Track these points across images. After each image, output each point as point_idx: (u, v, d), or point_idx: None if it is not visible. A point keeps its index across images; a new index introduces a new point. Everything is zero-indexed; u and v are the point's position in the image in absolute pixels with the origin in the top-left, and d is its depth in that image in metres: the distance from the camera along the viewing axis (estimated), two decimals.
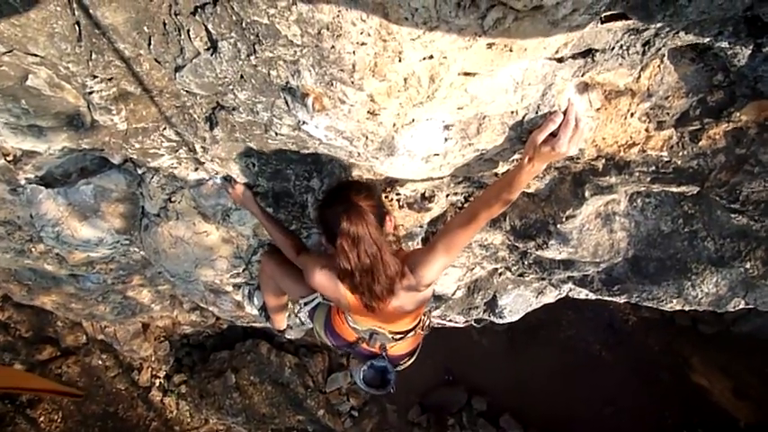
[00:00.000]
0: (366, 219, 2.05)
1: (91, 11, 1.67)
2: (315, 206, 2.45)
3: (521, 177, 1.76)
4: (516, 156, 1.98)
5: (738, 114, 1.68)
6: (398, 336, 2.58)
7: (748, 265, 2.11)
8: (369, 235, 2.06)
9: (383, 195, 2.47)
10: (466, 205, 2.58)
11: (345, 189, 2.19)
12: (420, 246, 2.92)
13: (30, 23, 1.76)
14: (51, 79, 2.10)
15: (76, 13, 1.73)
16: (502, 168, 2.12)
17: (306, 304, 2.88)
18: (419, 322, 2.65)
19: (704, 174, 1.87)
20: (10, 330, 7.21)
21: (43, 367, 7.09)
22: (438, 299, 3.56)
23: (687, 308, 2.45)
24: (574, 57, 1.58)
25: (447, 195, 2.52)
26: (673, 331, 7.15)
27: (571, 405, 7.14)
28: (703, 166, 1.86)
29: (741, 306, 2.30)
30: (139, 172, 2.85)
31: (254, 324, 5.16)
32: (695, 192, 2.00)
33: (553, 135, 1.70)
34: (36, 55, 1.92)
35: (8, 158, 2.70)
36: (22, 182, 2.88)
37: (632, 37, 1.54)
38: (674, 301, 2.44)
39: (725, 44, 1.53)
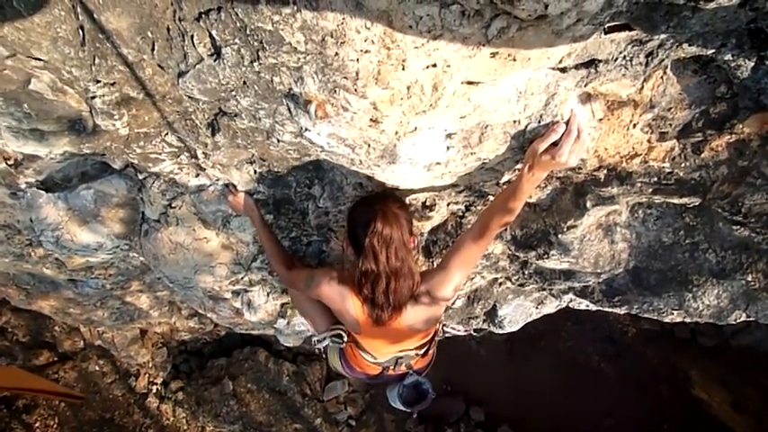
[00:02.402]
0: (400, 223, 2.07)
1: (95, 15, 1.68)
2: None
3: (522, 186, 1.77)
4: (518, 165, 1.98)
5: (741, 126, 1.68)
6: (422, 351, 2.57)
7: (750, 278, 2.10)
8: (400, 238, 2.06)
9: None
10: (472, 220, 2.58)
11: (382, 195, 2.22)
12: (419, 255, 2.92)
13: (33, 27, 1.77)
14: (54, 83, 2.10)
15: (80, 17, 1.73)
16: (504, 178, 2.12)
17: (318, 342, 2.86)
18: (435, 333, 2.64)
19: (706, 185, 1.87)
20: (7, 335, 7.19)
21: (40, 372, 7.05)
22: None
23: (688, 320, 2.44)
24: (577, 67, 1.58)
25: (448, 204, 2.52)
26: (672, 344, 7.13)
27: (570, 416, 7.10)
28: (705, 178, 1.85)
29: (742, 319, 2.29)
30: (140, 177, 2.85)
31: (252, 331, 5.14)
32: (697, 203, 2.00)
33: (555, 144, 1.70)
34: (39, 59, 1.92)
35: (9, 162, 2.70)
36: (23, 186, 2.88)
37: (635, 48, 1.54)
38: (675, 312, 2.43)
39: (728, 56, 1.53)
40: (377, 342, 2.44)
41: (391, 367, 2.59)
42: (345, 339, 2.65)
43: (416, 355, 2.56)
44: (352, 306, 2.25)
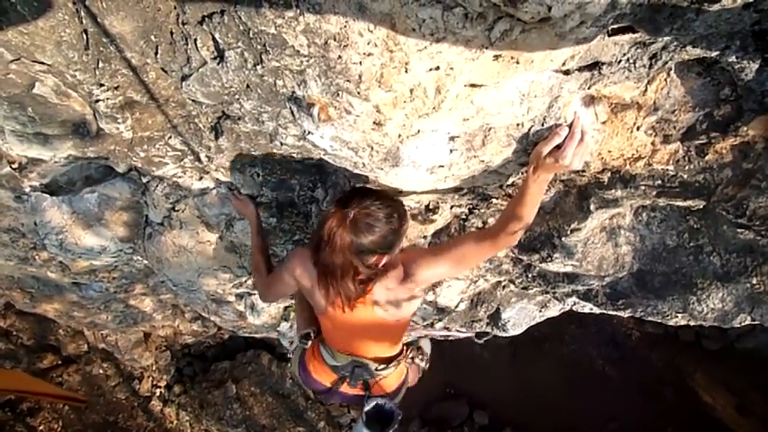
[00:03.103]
0: (351, 237, 1.87)
1: (99, 19, 1.68)
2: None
3: (528, 189, 1.75)
4: (522, 168, 1.98)
5: (745, 129, 1.67)
6: (381, 366, 2.39)
7: (755, 281, 2.09)
8: (341, 252, 1.90)
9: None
10: (475, 223, 2.56)
11: (374, 199, 1.94)
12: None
13: (38, 32, 1.77)
14: (58, 87, 2.11)
15: (84, 21, 1.74)
16: (508, 180, 2.12)
17: (291, 344, 2.78)
18: (401, 352, 2.48)
19: (710, 188, 1.86)
20: (12, 338, 7.20)
21: (44, 375, 7.07)
22: (441, 311, 3.54)
23: (692, 323, 2.43)
24: (580, 69, 1.58)
25: (451, 207, 2.52)
26: (676, 347, 7.10)
27: (574, 420, 7.07)
28: (710, 181, 1.85)
29: (747, 322, 2.27)
30: (144, 181, 2.85)
31: (255, 335, 5.15)
32: (701, 206, 1.99)
33: (558, 147, 1.69)
34: (43, 63, 1.93)
35: (13, 166, 2.71)
36: (27, 189, 2.89)
37: (639, 50, 1.53)
38: (680, 316, 2.42)
39: (732, 58, 1.53)
40: (338, 334, 2.34)
41: (348, 378, 2.43)
42: (312, 338, 2.56)
43: (376, 370, 2.40)
44: (317, 285, 2.14)
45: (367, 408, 2.45)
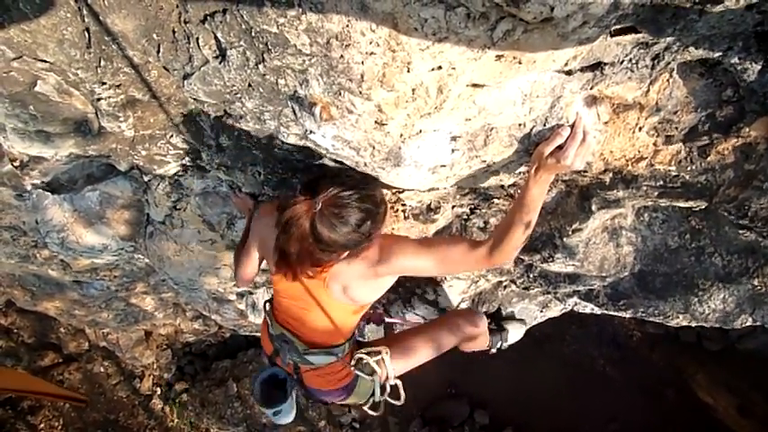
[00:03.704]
0: (312, 230, 1.72)
1: (101, 18, 1.68)
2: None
3: (530, 190, 1.74)
4: (523, 168, 1.98)
5: (748, 130, 1.67)
6: (309, 351, 2.21)
7: (756, 282, 2.09)
8: (298, 241, 1.76)
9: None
10: (477, 223, 2.55)
11: (347, 190, 1.74)
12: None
13: (40, 29, 1.77)
14: (60, 85, 2.11)
15: (86, 19, 1.74)
16: (509, 181, 2.12)
17: None
18: (342, 346, 2.25)
19: (712, 189, 1.86)
20: (12, 336, 7.21)
21: (45, 373, 7.08)
22: (442, 312, 3.54)
23: (694, 324, 2.43)
24: (582, 70, 1.58)
25: (453, 207, 2.52)
26: (677, 347, 7.09)
27: (574, 420, 7.07)
28: (711, 182, 1.84)
29: (748, 323, 2.27)
30: (145, 179, 2.86)
31: (256, 333, 5.15)
32: (703, 207, 1.99)
33: (560, 148, 1.69)
34: (45, 61, 1.93)
35: (15, 164, 2.71)
36: (29, 187, 2.89)
37: (642, 51, 1.53)
38: (681, 316, 2.42)
39: (735, 59, 1.52)
40: (280, 300, 2.22)
41: (280, 353, 2.29)
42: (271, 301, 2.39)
43: (304, 353, 2.22)
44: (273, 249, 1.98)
45: (264, 373, 2.39)
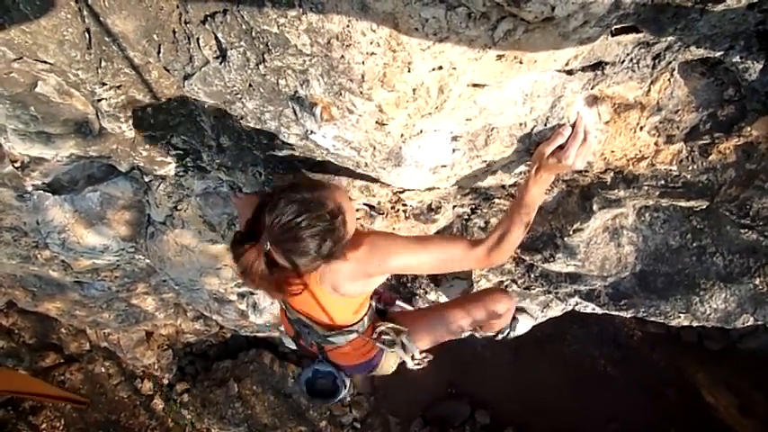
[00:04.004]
0: (270, 269, 1.69)
1: (101, 18, 1.68)
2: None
3: (529, 189, 1.74)
4: (523, 167, 1.97)
5: (749, 129, 1.66)
6: (329, 334, 2.16)
7: (757, 281, 2.09)
8: (263, 280, 1.71)
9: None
10: (478, 223, 2.54)
11: (290, 215, 1.63)
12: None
13: (40, 30, 1.77)
14: (60, 86, 2.11)
15: (87, 20, 1.74)
16: (510, 180, 2.11)
17: None
18: (359, 322, 2.18)
19: (714, 188, 1.86)
20: (14, 336, 7.21)
21: (46, 374, 7.08)
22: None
23: (695, 324, 2.43)
24: (583, 69, 1.58)
25: (454, 207, 2.51)
26: (678, 347, 7.08)
27: (575, 420, 7.06)
28: (713, 181, 1.84)
29: (750, 323, 2.27)
30: (146, 180, 2.85)
31: (257, 334, 5.15)
32: (704, 206, 1.99)
33: (561, 147, 1.69)
34: (46, 62, 1.93)
35: (16, 165, 2.71)
36: (30, 188, 2.89)
37: (643, 50, 1.53)
38: (682, 316, 2.42)
39: (736, 59, 1.52)
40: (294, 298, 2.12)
41: (302, 336, 2.26)
42: None
43: (326, 337, 2.17)
44: None
45: (304, 375, 2.36)
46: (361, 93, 1.46)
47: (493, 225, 2.48)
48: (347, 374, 2.42)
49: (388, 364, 2.42)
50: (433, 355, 2.39)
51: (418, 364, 2.37)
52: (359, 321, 2.18)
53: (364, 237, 1.85)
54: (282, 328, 2.51)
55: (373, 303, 2.32)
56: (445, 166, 1.86)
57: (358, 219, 2.43)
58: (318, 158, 2.05)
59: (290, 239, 1.63)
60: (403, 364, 2.41)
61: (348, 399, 7.89)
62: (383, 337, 2.28)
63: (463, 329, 2.56)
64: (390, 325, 2.31)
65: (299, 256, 1.66)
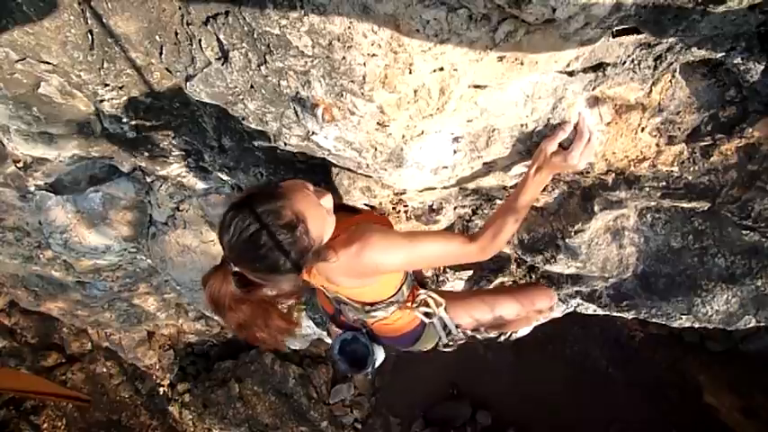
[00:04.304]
0: (244, 292, 1.62)
1: (104, 20, 1.69)
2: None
3: (527, 187, 1.73)
4: (524, 168, 1.97)
5: (750, 130, 1.66)
6: (369, 309, 2.10)
7: (760, 283, 2.08)
8: (241, 309, 1.64)
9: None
10: (479, 224, 2.53)
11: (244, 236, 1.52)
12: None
13: (43, 32, 1.78)
14: (63, 87, 2.11)
15: (90, 21, 1.74)
16: (511, 182, 2.11)
17: None
18: (398, 293, 2.10)
19: (715, 190, 1.86)
20: (16, 336, 7.23)
21: (48, 374, 7.09)
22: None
23: (697, 325, 2.42)
24: (585, 70, 1.58)
25: (455, 208, 2.51)
26: (681, 348, 7.07)
27: (577, 421, 7.06)
28: (714, 182, 1.84)
29: (752, 324, 2.26)
30: (148, 180, 2.86)
31: None
32: (706, 208, 1.98)
33: (562, 147, 1.69)
34: (49, 63, 1.93)
35: (18, 165, 2.72)
36: (32, 188, 2.90)
37: (644, 51, 1.53)
38: (684, 317, 2.42)
39: (737, 60, 1.52)
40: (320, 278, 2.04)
41: (343, 312, 2.21)
42: None
43: (366, 312, 2.11)
44: None
45: (341, 336, 2.34)
46: (363, 94, 1.46)
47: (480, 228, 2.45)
48: (387, 347, 2.40)
49: (430, 337, 2.37)
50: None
51: (451, 342, 2.36)
52: (396, 293, 2.10)
53: (359, 235, 1.75)
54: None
55: (410, 271, 2.25)
56: (446, 167, 1.86)
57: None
58: (320, 159, 2.06)
59: (251, 259, 1.54)
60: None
61: (352, 396, 7.90)
62: (422, 308, 2.22)
63: (503, 319, 2.51)
64: (432, 294, 2.25)
65: (267, 272, 1.57)
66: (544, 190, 2.15)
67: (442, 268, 3.12)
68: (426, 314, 2.23)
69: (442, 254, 1.81)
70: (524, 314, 2.56)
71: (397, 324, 2.23)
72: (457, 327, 2.34)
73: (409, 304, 2.18)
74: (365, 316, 2.14)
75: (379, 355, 2.43)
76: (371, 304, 2.08)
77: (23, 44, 1.85)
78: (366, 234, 1.74)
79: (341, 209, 1.93)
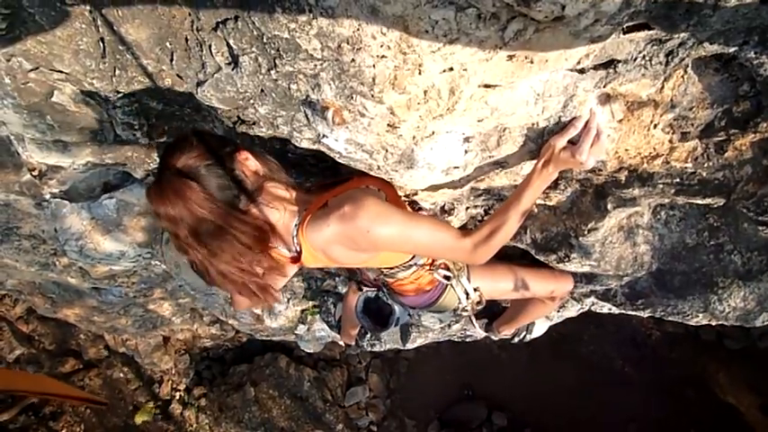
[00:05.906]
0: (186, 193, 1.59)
1: (115, 27, 1.70)
2: None
3: (532, 183, 1.71)
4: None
5: (765, 125, 1.64)
6: (389, 271, 2.13)
7: None
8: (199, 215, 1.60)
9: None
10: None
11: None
12: None
13: (56, 41, 1.80)
14: (76, 95, 2.13)
15: (101, 30, 1.76)
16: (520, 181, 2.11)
17: None
18: (414, 256, 2.09)
19: (730, 185, 1.84)
20: (34, 343, 7.31)
21: (66, 380, 7.17)
22: (454, 311, 3.53)
23: (714, 322, 2.40)
24: (595, 68, 1.57)
25: (467, 208, 2.51)
26: (697, 346, 7.00)
27: (593, 421, 7.01)
28: (729, 178, 1.82)
29: None
30: None
31: (273, 338, 5.17)
32: (721, 204, 1.96)
33: (572, 143, 1.68)
34: (61, 71, 1.95)
35: (34, 173, 2.75)
36: (47, 196, 2.93)
37: (655, 47, 1.52)
38: (700, 315, 2.39)
39: (750, 54, 1.50)
40: None
41: (363, 272, 2.24)
42: None
43: (383, 274, 2.14)
44: None
45: (365, 294, 2.36)
46: (373, 96, 1.46)
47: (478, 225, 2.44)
48: (407, 309, 2.43)
49: (450, 300, 2.38)
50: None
51: (470, 305, 2.37)
52: (412, 257, 2.09)
53: (352, 198, 1.66)
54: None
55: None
56: (458, 168, 1.86)
57: None
58: (331, 162, 2.06)
59: (175, 217, 1.64)
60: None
61: (367, 398, 7.90)
62: (441, 270, 2.24)
63: (523, 292, 2.51)
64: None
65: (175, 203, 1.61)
66: (556, 188, 2.14)
67: None
68: (446, 277, 2.25)
69: (432, 241, 1.69)
70: (542, 293, 2.57)
71: (417, 284, 2.24)
72: (475, 290, 2.35)
73: (428, 267, 2.20)
74: (385, 277, 2.19)
75: (402, 316, 2.45)
76: (389, 268, 2.11)
77: (36, 53, 1.87)
78: (360, 197, 1.66)
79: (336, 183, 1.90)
